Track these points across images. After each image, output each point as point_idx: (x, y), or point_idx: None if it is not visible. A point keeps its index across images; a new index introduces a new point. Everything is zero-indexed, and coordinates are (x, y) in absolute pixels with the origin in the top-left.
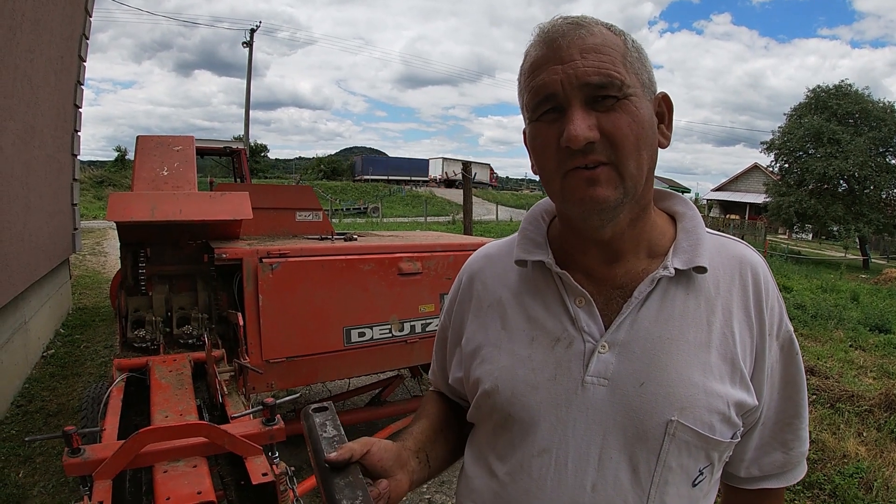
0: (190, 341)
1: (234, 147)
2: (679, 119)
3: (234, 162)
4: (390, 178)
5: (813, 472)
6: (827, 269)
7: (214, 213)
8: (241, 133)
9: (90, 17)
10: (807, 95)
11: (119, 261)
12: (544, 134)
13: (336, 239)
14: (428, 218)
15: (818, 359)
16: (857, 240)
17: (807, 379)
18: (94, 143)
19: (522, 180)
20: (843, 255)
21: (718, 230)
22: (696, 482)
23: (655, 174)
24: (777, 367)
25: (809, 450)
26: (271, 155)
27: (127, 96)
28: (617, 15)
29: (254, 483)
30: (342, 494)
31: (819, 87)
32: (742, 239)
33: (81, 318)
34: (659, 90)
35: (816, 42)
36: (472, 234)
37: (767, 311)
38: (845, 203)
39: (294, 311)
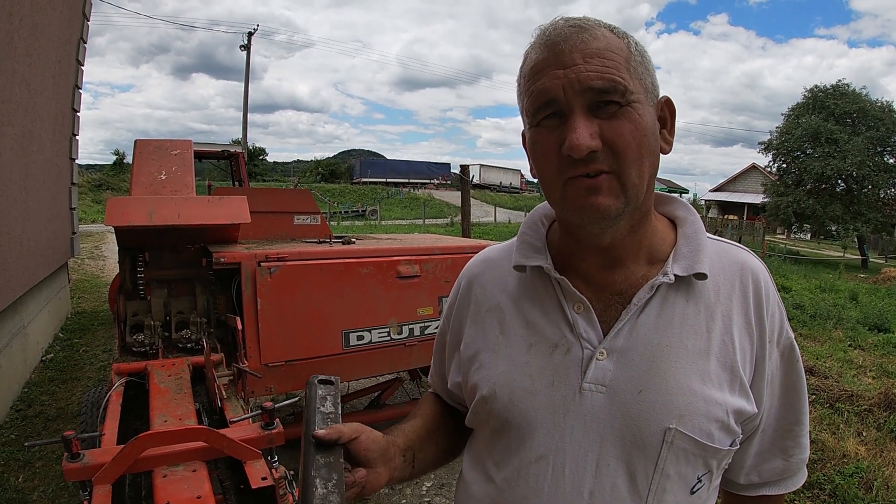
0: (189, 345)
1: (233, 150)
2: (677, 120)
3: (233, 165)
4: (388, 180)
5: (813, 472)
6: (825, 269)
7: (213, 217)
8: (239, 136)
9: (88, 20)
10: (804, 95)
11: (118, 265)
12: (545, 140)
13: (334, 242)
14: (426, 220)
15: (817, 359)
16: (856, 239)
17: (806, 379)
18: (93, 147)
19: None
20: (841, 254)
21: (717, 231)
22: (695, 490)
23: None
24: (777, 374)
25: (809, 450)
26: (269, 158)
27: (125, 100)
28: (614, 16)
29: (253, 487)
30: (318, 472)
31: (817, 86)
32: (740, 239)
33: (80, 322)
34: (661, 94)
35: (814, 42)
36: (470, 237)
37: (768, 318)
38: (843, 203)
39: (292, 314)
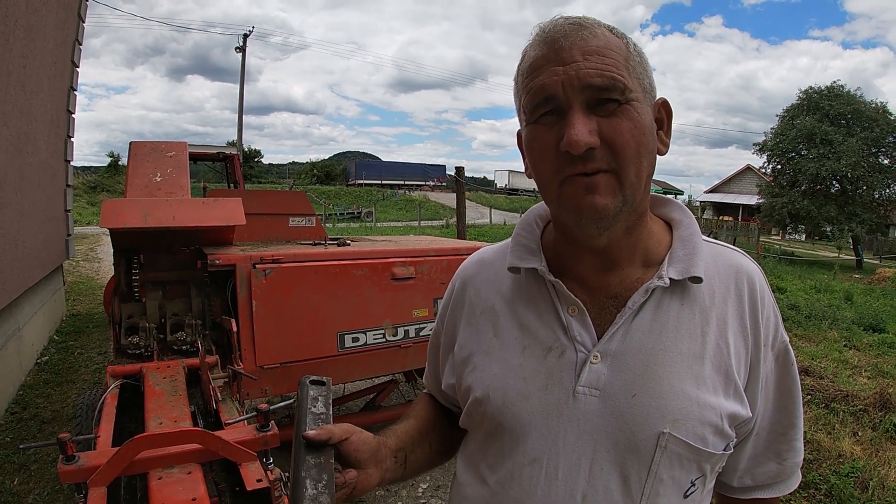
0: (184, 347)
1: (228, 152)
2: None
3: (228, 167)
4: (384, 182)
5: (809, 472)
6: (820, 270)
7: (208, 219)
8: (235, 138)
9: (83, 22)
10: (799, 97)
11: (112, 267)
12: (542, 137)
13: (329, 244)
14: (422, 222)
15: (812, 359)
16: (850, 240)
17: (801, 379)
18: (88, 149)
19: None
20: (836, 255)
21: (711, 232)
22: (688, 493)
23: None
24: (772, 378)
25: (805, 450)
26: (264, 160)
27: (120, 101)
28: (609, 18)
29: (248, 489)
30: (308, 473)
31: (811, 88)
32: (735, 240)
33: (75, 324)
34: (658, 96)
35: (808, 43)
36: (465, 239)
37: (763, 322)
38: (838, 203)
39: (288, 316)
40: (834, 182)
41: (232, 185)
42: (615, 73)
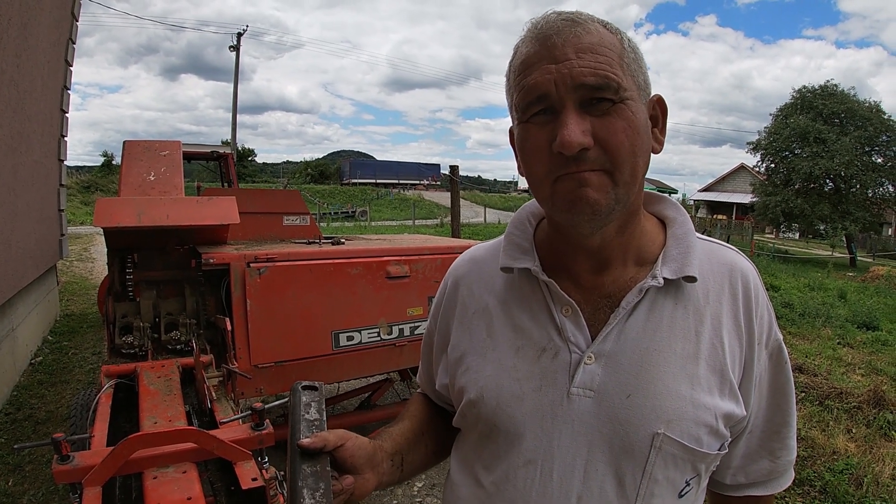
0: (178, 347)
1: (222, 151)
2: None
3: (222, 166)
4: (378, 181)
5: (803, 468)
6: (814, 268)
7: (202, 218)
8: (229, 137)
9: (77, 21)
10: (792, 96)
11: (106, 267)
12: (535, 137)
13: (324, 243)
14: (416, 221)
15: (806, 357)
16: (844, 238)
17: (795, 377)
18: (81, 148)
19: (510, 183)
20: (829, 253)
21: (705, 230)
22: (683, 493)
23: None
24: (765, 376)
25: (799, 447)
26: (258, 159)
27: (113, 101)
28: (603, 16)
29: (244, 488)
30: (305, 482)
31: (805, 87)
32: (729, 239)
33: (69, 324)
34: (652, 93)
35: (802, 43)
36: (459, 237)
37: (757, 320)
38: (832, 202)
39: (282, 315)
40: (828, 181)
41: (226, 184)
42: (609, 72)
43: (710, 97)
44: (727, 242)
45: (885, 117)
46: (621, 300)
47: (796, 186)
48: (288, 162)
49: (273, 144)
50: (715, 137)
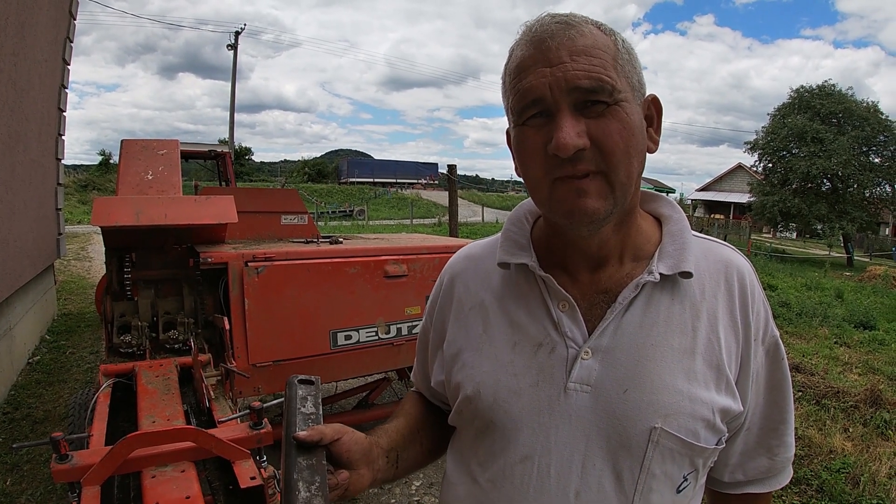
0: (176, 346)
1: (219, 150)
2: (663, 120)
3: (219, 165)
4: (376, 180)
5: (800, 467)
6: (811, 268)
7: (199, 217)
8: (226, 136)
9: (74, 20)
10: (790, 96)
11: (104, 266)
12: (531, 140)
13: (321, 242)
14: (414, 220)
15: (804, 356)
16: (841, 238)
17: (793, 376)
18: (79, 147)
19: (508, 182)
20: (827, 253)
21: (703, 230)
22: (681, 488)
23: None
24: (762, 373)
25: (796, 446)
26: (256, 158)
27: (111, 100)
28: (601, 16)
29: (242, 487)
30: (300, 475)
31: (802, 87)
32: (726, 238)
33: (67, 323)
34: (648, 92)
35: (800, 42)
36: (457, 236)
37: (753, 316)
38: (829, 202)
39: (280, 314)
40: (825, 180)
41: (223, 183)
42: (603, 75)
43: (708, 97)
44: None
45: (883, 117)
46: (618, 295)
47: (794, 186)
48: (286, 161)
49: (271, 143)
50: (712, 137)
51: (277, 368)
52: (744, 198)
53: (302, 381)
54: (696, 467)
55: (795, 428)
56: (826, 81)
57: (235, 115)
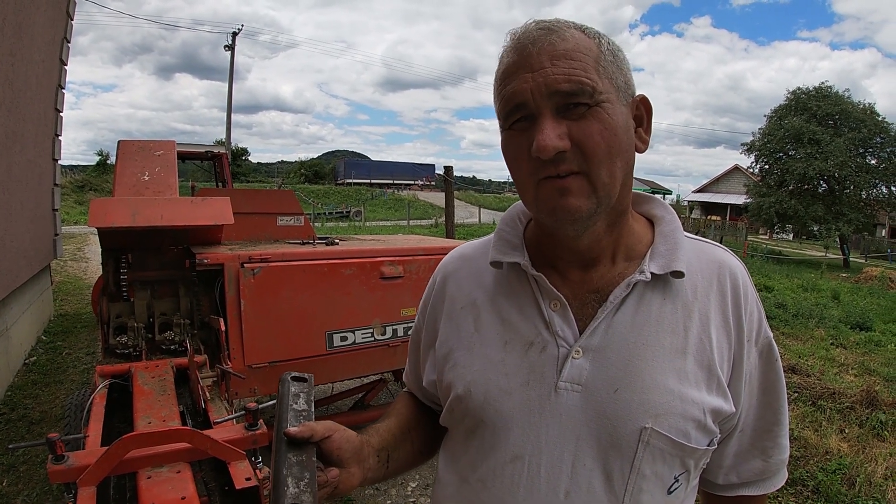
0: (172, 347)
1: (216, 151)
2: (660, 121)
3: (216, 166)
4: (373, 181)
5: (796, 468)
6: (808, 269)
7: (196, 219)
8: (223, 137)
9: (71, 20)
10: (787, 97)
11: (101, 267)
12: (516, 143)
13: (318, 243)
14: (410, 221)
15: (800, 357)
16: (838, 239)
17: (789, 377)
18: (75, 148)
19: (504, 183)
20: (823, 254)
21: (699, 231)
22: (672, 489)
23: (636, 177)
24: (756, 374)
25: (792, 447)
26: (253, 159)
27: (107, 100)
28: (598, 18)
29: (237, 488)
30: (290, 471)
31: (799, 88)
32: (722, 240)
33: (63, 324)
34: (638, 93)
35: (796, 44)
36: (454, 238)
37: (746, 317)
38: (825, 203)
39: (276, 315)
40: (821, 182)
41: (220, 183)
42: (583, 77)
43: (705, 98)
44: (721, 243)
45: (879, 119)
46: (609, 295)
47: (790, 187)
48: (282, 162)
49: (267, 144)
50: (709, 138)
51: (273, 370)
52: (740, 199)
53: (295, 378)
54: (687, 468)
55: (791, 429)
56: (823, 83)
57: (232, 115)
